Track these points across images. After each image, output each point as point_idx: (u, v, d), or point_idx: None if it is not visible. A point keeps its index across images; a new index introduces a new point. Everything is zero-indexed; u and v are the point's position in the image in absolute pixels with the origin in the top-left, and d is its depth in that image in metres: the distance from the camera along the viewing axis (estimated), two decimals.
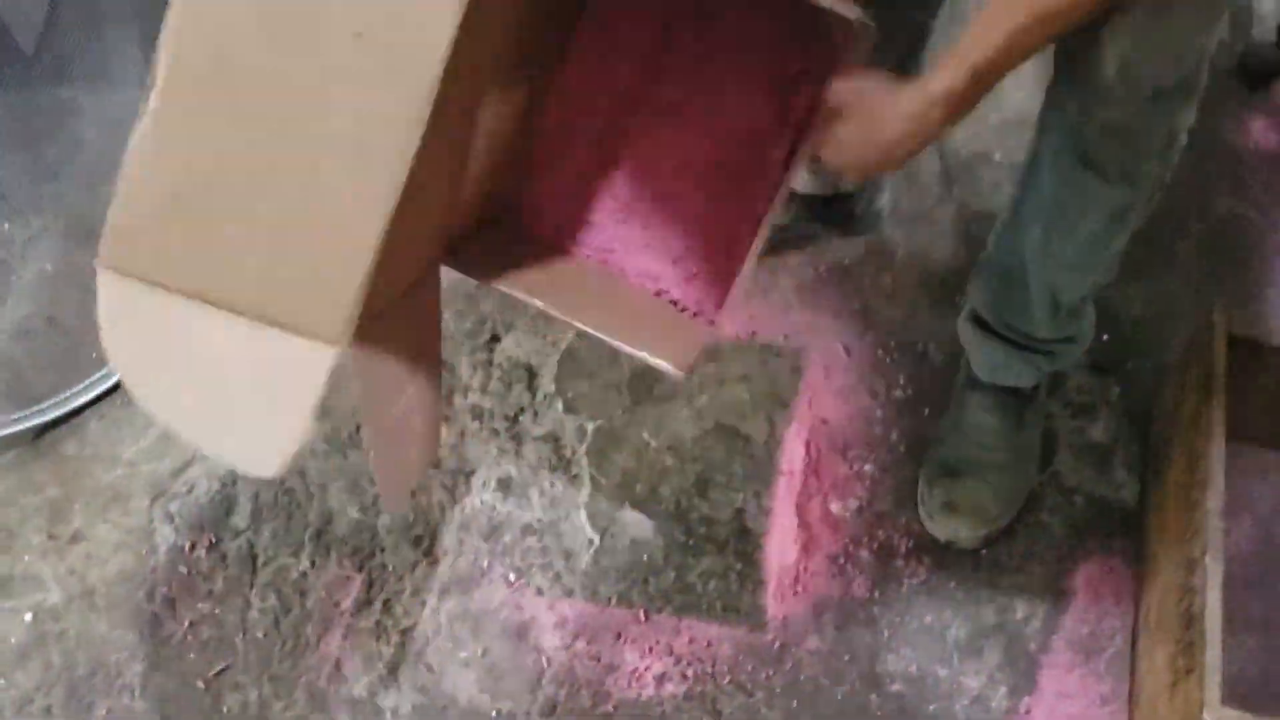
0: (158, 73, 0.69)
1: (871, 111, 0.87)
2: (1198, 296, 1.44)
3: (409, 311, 0.87)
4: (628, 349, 0.92)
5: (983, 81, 0.83)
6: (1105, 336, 1.38)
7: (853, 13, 0.85)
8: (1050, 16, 0.82)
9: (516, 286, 0.95)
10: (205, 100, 0.69)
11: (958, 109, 0.85)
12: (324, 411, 1.36)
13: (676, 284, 1.08)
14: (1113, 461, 1.32)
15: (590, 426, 1.36)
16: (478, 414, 1.36)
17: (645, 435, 1.35)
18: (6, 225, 1.52)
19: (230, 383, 0.72)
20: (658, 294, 1.08)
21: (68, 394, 1.36)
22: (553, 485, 1.32)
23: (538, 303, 0.94)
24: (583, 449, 1.34)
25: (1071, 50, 0.97)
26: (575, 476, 1.32)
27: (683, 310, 1.08)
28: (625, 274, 1.09)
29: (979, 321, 1.25)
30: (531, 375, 1.39)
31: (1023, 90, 1.56)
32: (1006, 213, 1.18)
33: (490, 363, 1.41)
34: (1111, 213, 1.05)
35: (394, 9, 0.65)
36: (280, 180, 0.68)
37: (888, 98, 0.87)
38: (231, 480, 1.32)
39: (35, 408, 1.34)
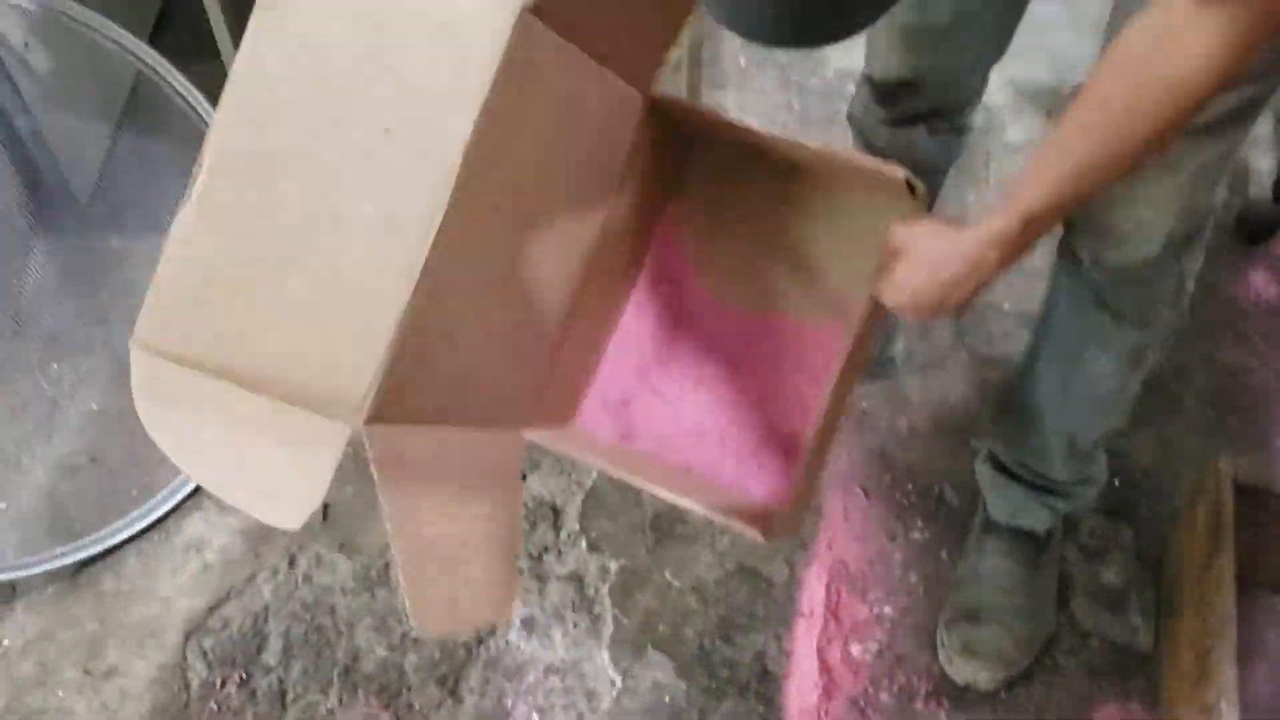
0: (202, 160, 0.73)
1: (930, 253, 0.88)
2: (1205, 444, 1.48)
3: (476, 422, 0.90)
4: (710, 513, 0.91)
5: (1034, 226, 0.84)
6: (1117, 482, 1.42)
7: (899, 172, 0.88)
8: (1098, 167, 0.82)
9: (587, 453, 0.98)
10: (243, 187, 0.72)
11: (1013, 252, 0.85)
12: (353, 549, 1.40)
13: (740, 478, 1.07)
14: (1127, 605, 1.34)
15: (614, 566, 1.39)
16: None
17: (668, 575, 1.38)
18: (56, 365, 1.58)
19: (254, 451, 0.74)
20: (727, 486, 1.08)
21: (107, 530, 1.40)
22: (576, 625, 1.34)
23: (617, 471, 0.94)
24: (606, 589, 1.37)
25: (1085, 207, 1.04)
26: (598, 616, 1.35)
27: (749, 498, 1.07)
28: (690, 467, 1.09)
29: (997, 464, 1.30)
30: (556, 514, 1.43)
31: None
32: (1023, 358, 1.23)
33: None
34: (1127, 354, 1.11)
35: (420, 110, 0.70)
36: (308, 264, 0.71)
37: (945, 240, 0.87)
38: (264, 616, 1.35)
39: (75, 543, 1.38)
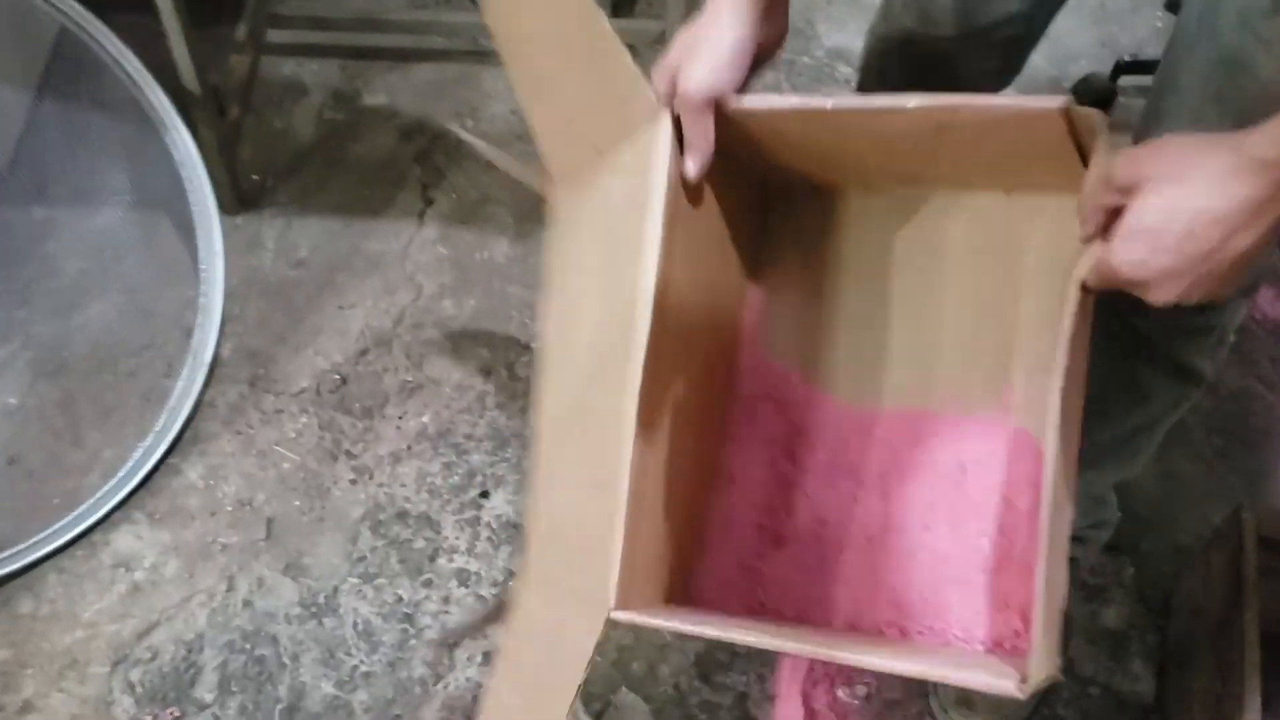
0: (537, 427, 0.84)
1: (1193, 173, 0.60)
2: (1209, 473, 1.41)
3: None
4: (959, 680, 0.72)
5: None
6: (1118, 515, 1.34)
7: (1055, 101, 0.67)
8: None
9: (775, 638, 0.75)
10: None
11: None
12: (299, 570, 1.29)
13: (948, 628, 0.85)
14: (1128, 650, 1.27)
15: None
16: (464, 579, 1.29)
17: None
18: None
19: None
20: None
21: (25, 545, 1.26)
22: None
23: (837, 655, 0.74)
24: None
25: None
26: None
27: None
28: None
29: None
30: (522, 535, 1.32)
31: None
32: None
33: (478, 521, 1.33)
34: (1159, 406, 1.02)
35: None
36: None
37: (1219, 150, 0.60)
38: (199, 647, 1.23)
39: None
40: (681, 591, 0.88)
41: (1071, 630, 1.28)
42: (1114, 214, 0.65)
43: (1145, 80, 1.74)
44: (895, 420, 0.88)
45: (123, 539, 1.30)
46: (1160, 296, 0.62)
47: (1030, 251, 0.85)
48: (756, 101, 0.76)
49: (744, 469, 0.91)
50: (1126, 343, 0.99)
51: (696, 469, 0.89)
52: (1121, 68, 1.73)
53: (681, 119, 0.75)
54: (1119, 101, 1.74)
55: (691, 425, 0.85)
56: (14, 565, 1.25)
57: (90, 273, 1.51)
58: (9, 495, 1.33)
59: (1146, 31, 1.87)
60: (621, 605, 0.73)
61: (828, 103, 0.76)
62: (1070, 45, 1.82)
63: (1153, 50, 1.81)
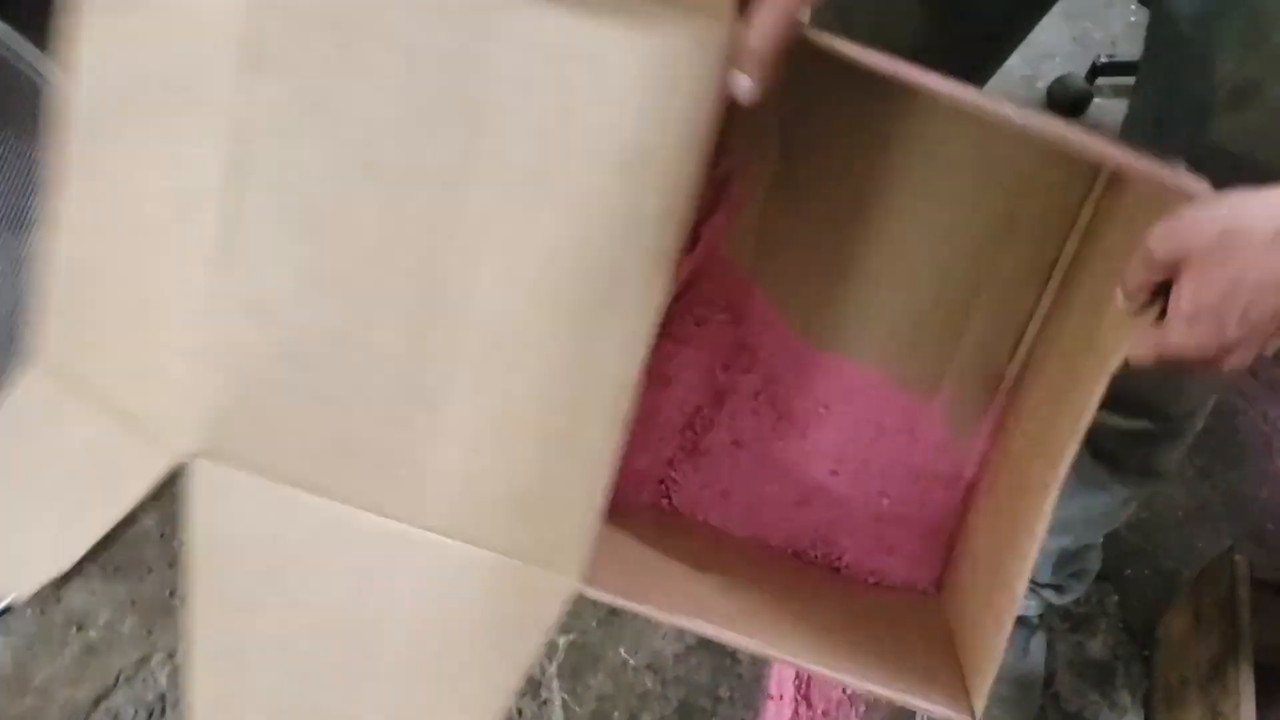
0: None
1: (1222, 253, 0.55)
2: (1190, 495, 1.39)
3: None
4: (889, 694, 0.67)
5: None
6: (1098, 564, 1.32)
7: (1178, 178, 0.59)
8: None
9: (697, 614, 0.67)
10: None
11: None
12: None
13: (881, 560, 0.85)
14: (1114, 682, 1.26)
15: (562, 641, 1.24)
16: None
17: (623, 652, 1.24)
18: None
19: None
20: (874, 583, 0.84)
21: None
22: (521, 712, 1.20)
23: (748, 642, 0.66)
24: (553, 668, 1.23)
25: None
26: (545, 702, 1.21)
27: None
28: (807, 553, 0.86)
29: None
30: None
31: None
32: None
33: None
34: (1125, 499, 1.00)
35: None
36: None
37: (1234, 225, 0.55)
38: (160, 709, 1.18)
39: None
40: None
41: (1055, 662, 1.27)
42: (1157, 289, 0.60)
43: (1123, 80, 1.70)
44: (835, 367, 0.84)
45: (75, 595, 1.24)
46: (1232, 364, 0.58)
47: (1035, 199, 0.77)
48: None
49: (680, 372, 0.85)
50: (1086, 446, 0.97)
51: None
52: (1098, 69, 1.69)
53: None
54: (1095, 103, 1.71)
55: None
56: None
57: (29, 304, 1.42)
58: None
59: (1120, 27, 1.83)
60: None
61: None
62: (1044, 42, 1.78)
63: (1127, 46, 1.78)
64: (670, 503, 0.85)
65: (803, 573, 0.83)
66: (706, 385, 0.86)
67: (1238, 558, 1.10)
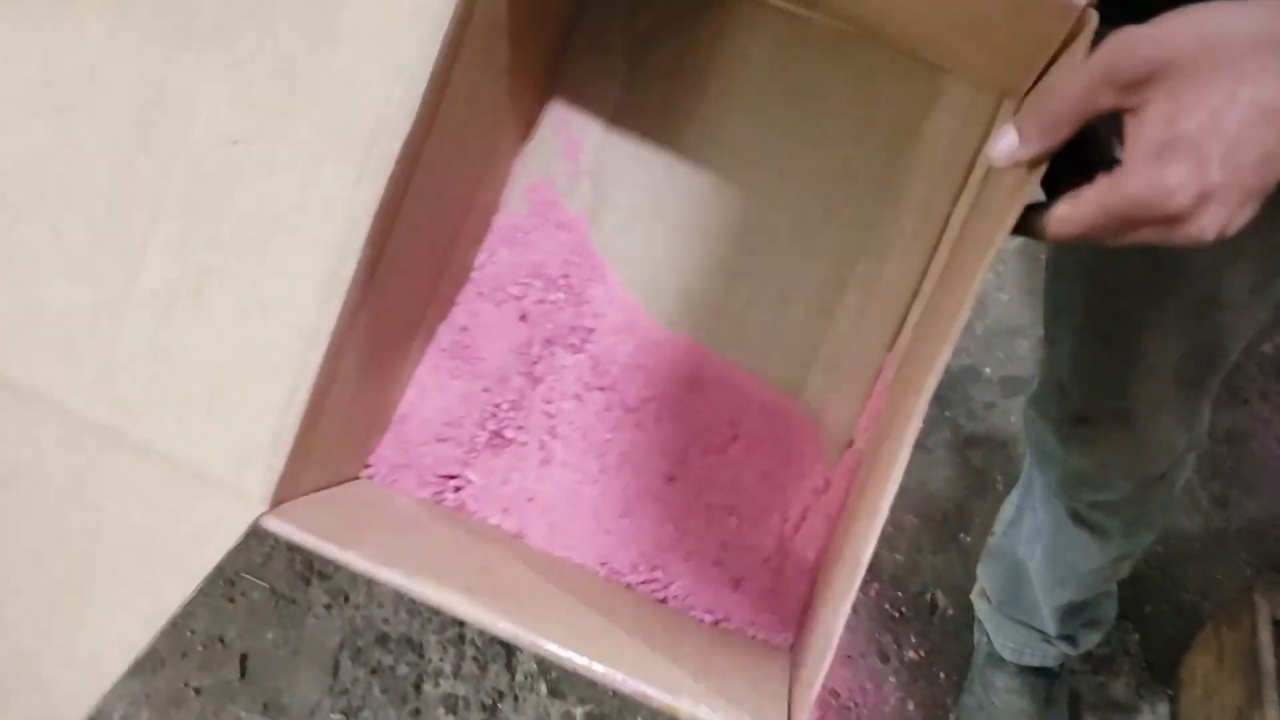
0: None
1: (1215, 62, 0.43)
2: (1207, 524, 1.37)
3: None
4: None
5: None
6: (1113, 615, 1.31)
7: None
8: None
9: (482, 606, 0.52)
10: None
11: None
12: (278, 710, 1.22)
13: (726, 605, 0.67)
14: None
15: (579, 713, 1.23)
16: (451, 704, 1.23)
17: None
18: None
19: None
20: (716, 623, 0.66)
21: None
22: None
23: (547, 645, 0.50)
24: None
25: (1042, 446, 0.90)
26: None
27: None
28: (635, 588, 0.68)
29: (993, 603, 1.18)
30: (510, 652, 1.27)
31: (1006, 294, 1.50)
32: (1010, 507, 1.10)
33: (462, 639, 1.28)
34: (1114, 559, 0.99)
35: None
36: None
37: (1233, 26, 0.43)
38: None
39: None
40: (350, 467, 0.66)
41: (1079, 706, 1.25)
42: (1094, 127, 0.47)
43: None
44: (684, 350, 0.69)
45: None
46: (1200, 230, 0.45)
47: (924, 148, 0.65)
48: None
49: (485, 340, 0.69)
50: (1064, 512, 0.96)
51: (407, 325, 0.67)
52: None
53: None
54: None
55: (423, 264, 0.64)
56: None
57: None
58: None
59: None
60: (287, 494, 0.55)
61: None
62: None
63: None
64: (454, 501, 0.68)
65: (612, 594, 0.64)
66: (520, 362, 0.69)
67: (1258, 598, 1.08)
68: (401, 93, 0.51)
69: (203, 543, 0.51)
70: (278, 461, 0.52)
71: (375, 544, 0.53)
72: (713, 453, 0.67)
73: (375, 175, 0.51)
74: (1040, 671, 1.18)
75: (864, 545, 0.47)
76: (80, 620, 0.51)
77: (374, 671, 1.25)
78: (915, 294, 0.66)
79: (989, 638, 1.20)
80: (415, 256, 0.61)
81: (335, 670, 1.25)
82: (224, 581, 1.31)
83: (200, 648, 1.26)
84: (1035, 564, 1.04)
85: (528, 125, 0.70)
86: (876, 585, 1.32)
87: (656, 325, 0.69)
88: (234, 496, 0.52)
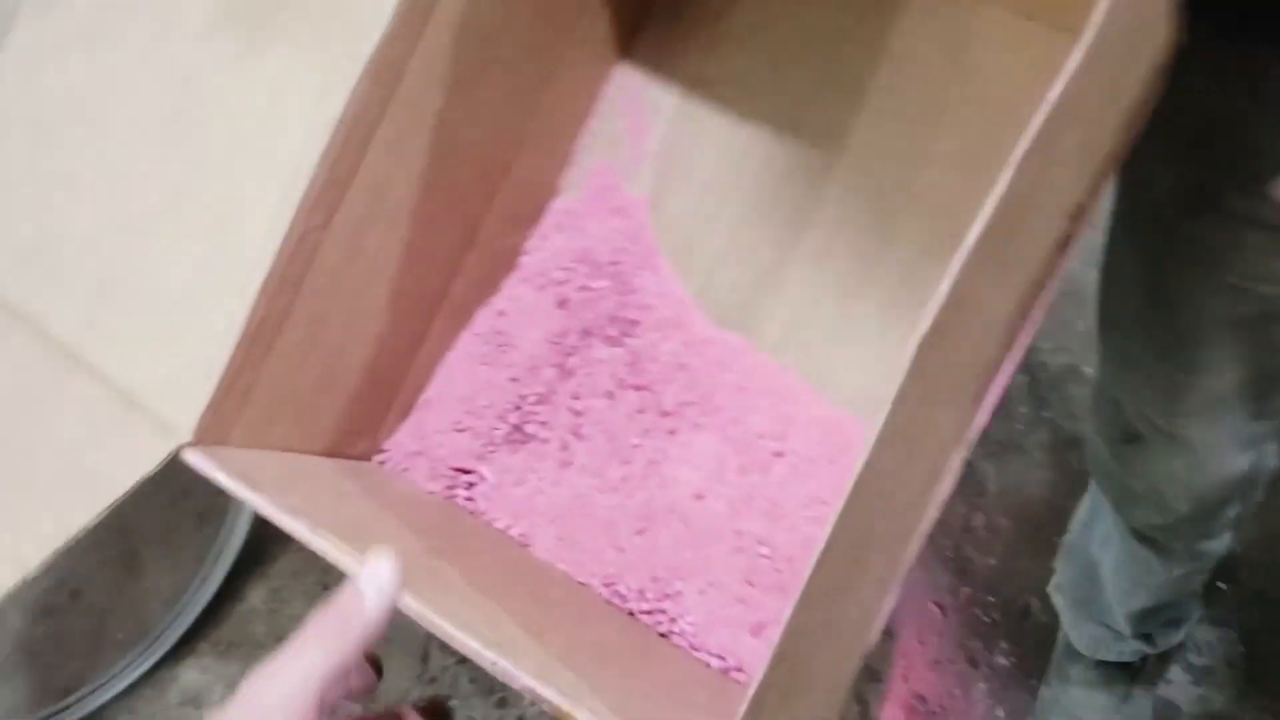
0: None
1: None
2: None
3: None
4: None
5: None
6: (1221, 584, 1.26)
7: None
8: None
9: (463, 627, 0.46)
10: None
11: None
12: (369, 696, 1.25)
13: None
14: None
15: None
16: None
17: None
18: None
19: None
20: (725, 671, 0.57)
21: (94, 688, 1.24)
22: None
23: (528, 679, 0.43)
24: None
25: (1097, 462, 0.87)
26: None
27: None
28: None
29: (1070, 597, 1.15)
30: None
31: None
32: (1085, 506, 1.07)
33: None
34: (1183, 575, 0.95)
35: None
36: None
37: None
38: None
39: (57, 705, 1.23)
40: (353, 444, 0.62)
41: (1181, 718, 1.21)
42: None
43: None
44: (734, 352, 0.61)
45: (188, 673, 1.28)
46: None
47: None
48: None
49: (519, 326, 0.64)
50: (1125, 529, 0.93)
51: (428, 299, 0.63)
52: None
53: None
54: None
55: (437, 225, 0.60)
56: (84, 710, 1.24)
57: None
58: (76, 632, 1.31)
59: None
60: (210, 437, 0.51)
61: None
62: None
63: None
64: (465, 498, 0.62)
65: (605, 618, 0.57)
66: (553, 352, 0.63)
67: None
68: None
69: (118, 469, 0.49)
70: (206, 391, 0.49)
71: (304, 501, 0.48)
72: (752, 471, 0.59)
73: (338, 90, 0.48)
74: (1120, 667, 1.15)
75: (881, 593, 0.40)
76: None
77: (462, 661, 1.27)
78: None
79: (1066, 631, 1.18)
80: (418, 210, 0.57)
81: (425, 659, 1.27)
82: (319, 570, 1.34)
83: None
84: (1106, 569, 1.01)
85: (590, 99, 0.66)
86: (967, 590, 1.30)
87: (707, 322, 0.62)
88: (160, 426, 0.50)
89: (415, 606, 0.45)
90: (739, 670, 0.56)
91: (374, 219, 0.54)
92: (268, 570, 1.34)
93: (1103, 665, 1.16)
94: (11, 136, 0.58)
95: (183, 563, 1.33)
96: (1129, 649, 1.13)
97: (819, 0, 0.62)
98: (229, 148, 0.52)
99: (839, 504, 0.36)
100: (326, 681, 0.39)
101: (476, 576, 0.51)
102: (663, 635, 0.57)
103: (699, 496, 0.59)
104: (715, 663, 0.56)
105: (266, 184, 0.50)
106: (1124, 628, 1.08)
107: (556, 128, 0.65)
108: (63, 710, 1.23)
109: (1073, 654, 1.18)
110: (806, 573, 0.37)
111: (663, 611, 0.57)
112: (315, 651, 0.40)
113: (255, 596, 1.33)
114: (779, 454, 0.59)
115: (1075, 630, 1.15)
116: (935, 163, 0.60)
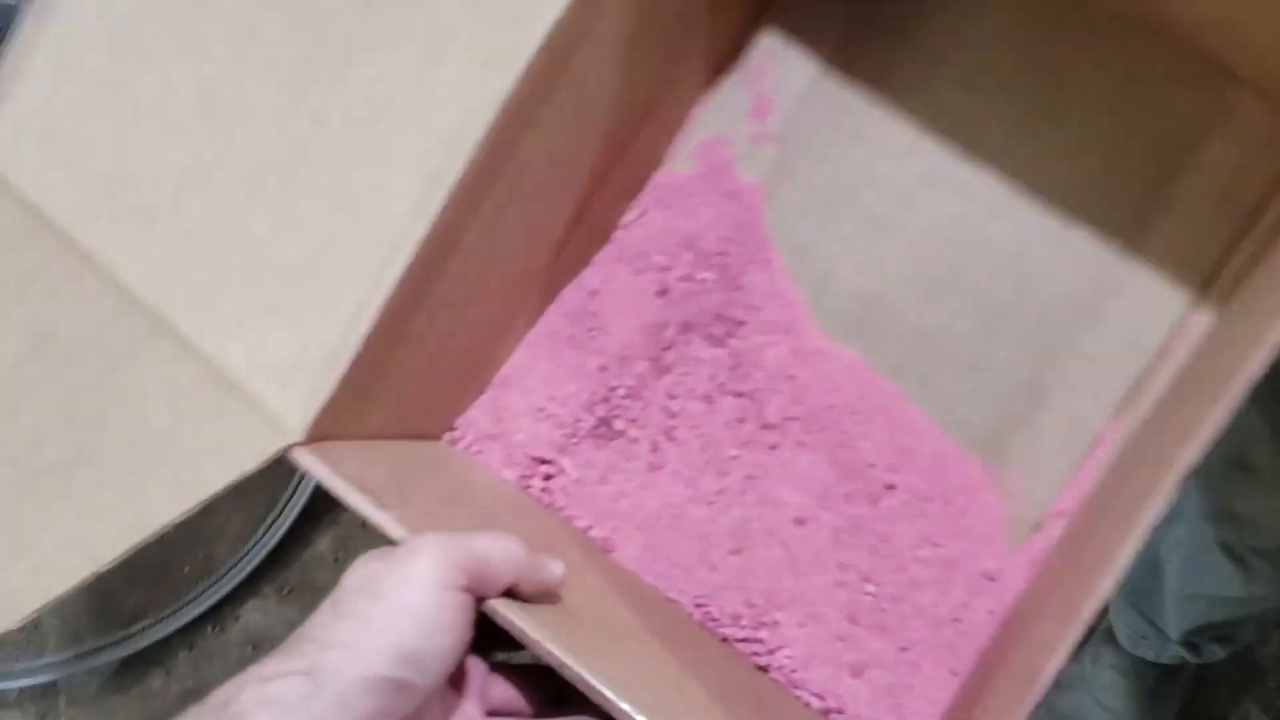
0: None
1: None
2: None
3: None
4: None
5: None
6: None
7: None
8: None
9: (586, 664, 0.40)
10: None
11: None
12: None
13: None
14: None
15: None
16: None
17: None
18: None
19: None
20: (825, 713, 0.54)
21: (158, 619, 1.25)
22: None
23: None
24: None
25: (1206, 472, 0.85)
26: None
27: None
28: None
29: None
30: None
31: None
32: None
33: None
34: (1260, 596, 0.92)
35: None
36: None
37: None
38: None
39: (120, 634, 1.24)
40: (434, 425, 0.58)
41: None
42: None
43: None
44: (848, 369, 0.58)
45: (251, 614, 1.28)
46: None
47: (1199, 175, 0.54)
48: None
49: (613, 311, 0.59)
50: (1213, 537, 0.91)
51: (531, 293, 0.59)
52: None
53: None
54: None
55: (556, 201, 0.56)
56: (147, 640, 1.24)
57: None
58: (142, 563, 1.31)
59: None
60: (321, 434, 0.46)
61: None
62: None
63: None
64: (541, 491, 0.58)
65: (704, 645, 0.53)
66: (648, 345, 0.59)
67: None
68: None
69: (212, 463, 0.44)
70: (326, 387, 0.44)
71: (423, 512, 0.45)
72: (860, 501, 0.56)
73: (507, 65, 0.43)
74: (1156, 664, 1.13)
75: (1046, 655, 0.36)
76: (52, 513, 0.44)
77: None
78: (1161, 350, 0.54)
79: (1111, 616, 1.15)
80: (546, 189, 0.52)
81: None
82: None
83: None
84: (1171, 570, 0.98)
85: (715, 68, 0.61)
86: None
87: (820, 332, 0.58)
88: (264, 418, 0.45)
89: (567, 659, 0.40)
90: (839, 713, 0.53)
91: (511, 200, 0.49)
92: (338, 517, 1.34)
93: (1140, 659, 1.14)
94: (96, 42, 0.50)
95: (255, 503, 1.33)
96: (1169, 653, 1.10)
97: (985, 5, 0.58)
98: (373, 105, 0.46)
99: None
100: (486, 563, 0.39)
101: (578, 597, 0.46)
102: (761, 669, 0.54)
103: (800, 521, 0.56)
104: (815, 702, 0.53)
105: (419, 156, 0.44)
106: (1172, 630, 1.05)
107: (681, 99, 0.61)
108: (125, 639, 1.23)
109: (1110, 638, 1.16)
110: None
111: (759, 641, 0.54)
112: (492, 542, 0.40)
113: (323, 543, 1.32)
114: (890, 486, 0.56)
115: (1119, 618, 1.13)
116: (1097, 196, 0.56)
